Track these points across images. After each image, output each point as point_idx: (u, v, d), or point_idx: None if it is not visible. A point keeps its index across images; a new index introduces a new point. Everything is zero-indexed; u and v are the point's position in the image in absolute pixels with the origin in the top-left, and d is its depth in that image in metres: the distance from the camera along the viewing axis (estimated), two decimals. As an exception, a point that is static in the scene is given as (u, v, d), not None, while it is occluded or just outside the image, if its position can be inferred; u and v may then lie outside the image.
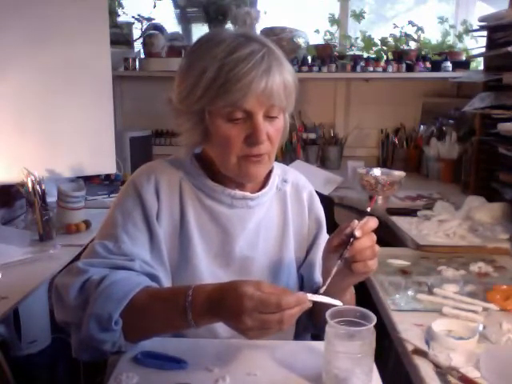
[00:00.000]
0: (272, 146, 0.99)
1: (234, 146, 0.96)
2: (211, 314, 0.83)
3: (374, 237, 0.92)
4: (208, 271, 1.03)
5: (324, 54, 2.92)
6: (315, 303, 1.06)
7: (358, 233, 0.89)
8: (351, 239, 0.89)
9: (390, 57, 2.92)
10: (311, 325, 1.14)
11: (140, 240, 0.98)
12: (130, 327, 0.88)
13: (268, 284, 0.80)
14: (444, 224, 1.74)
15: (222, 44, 0.94)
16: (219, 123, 0.96)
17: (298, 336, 1.14)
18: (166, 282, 1.00)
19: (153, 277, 0.96)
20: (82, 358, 0.92)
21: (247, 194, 1.06)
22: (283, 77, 0.95)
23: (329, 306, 0.85)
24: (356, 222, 0.91)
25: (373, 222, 0.91)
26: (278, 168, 1.16)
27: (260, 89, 0.92)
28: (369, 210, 0.94)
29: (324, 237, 1.17)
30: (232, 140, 0.96)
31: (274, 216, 1.12)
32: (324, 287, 0.90)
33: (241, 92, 0.91)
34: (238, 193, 1.05)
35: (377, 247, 0.92)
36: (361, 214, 0.94)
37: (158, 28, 3.10)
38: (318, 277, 1.12)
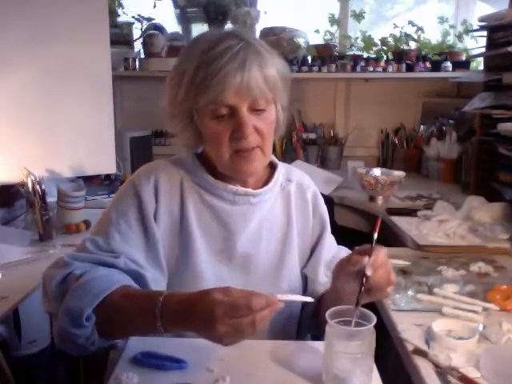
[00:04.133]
0: (263, 139, 0.99)
1: (223, 142, 0.97)
2: (181, 323, 0.82)
3: (389, 266, 0.91)
4: (209, 268, 1.03)
5: (324, 54, 2.92)
6: (321, 307, 1.06)
7: (369, 272, 0.88)
8: (364, 279, 0.87)
9: (390, 57, 2.92)
10: (315, 326, 1.14)
11: (132, 240, 0.98)
12: (102, 324, 0.87)
13: (237, 289, 0.79)
14: (444, 224, 1.74)
15: (201, 43, 0.96)
16: (206, 121, 0.97)
17: (299, 336, 1.14)
18: (158, 283, 0.99)
19: (138, 275, 0.95)
20: (62, 349, 0.91)
21: (249, 190, 1.06)
22: (263, 69, 0.94)
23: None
24: (366, 259, 0.88)
25: (382, 255, 0.90)
26: (283, 167, 1.16)
27: (236, 82, 0.92)
28: (375, 236, 0.92)
29: (328, 236, 1.17)
30: (219, 136, 0.97)
31: (278, 215, 1.12)
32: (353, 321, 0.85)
33: (218, 87, 0.92)
34: (240, 189, 1.05)
35: (393, 275, 0.91)
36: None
37: (158, 28, 3.10)
38: (322, 275, 1.12)
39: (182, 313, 0.81)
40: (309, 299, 0.86)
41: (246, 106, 0.95)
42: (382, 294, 0.93)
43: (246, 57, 0.93)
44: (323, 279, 1.12)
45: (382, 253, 0.90)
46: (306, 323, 1.14)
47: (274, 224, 1.11)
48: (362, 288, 0.88)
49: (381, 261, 0.90)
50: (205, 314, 0.77)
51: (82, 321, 0.85)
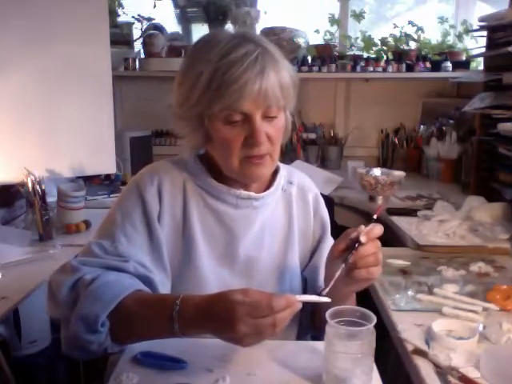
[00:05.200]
0: (273, 146, 0.99)
1: (234, 148, 0.96)
2: (199, 325, 0.82)
3: (379, 244, 0.92)
4: (211, 272, 1.02)
5: (324, 54, 2.92)
6: (318, 307, 1.07)
7: (363, 238, 0.89)
8: (356, 244, 0.89)
9: (390, 57, 2.92)
10: (313, 327, 1.14)
11: (137, 242, 0.98)
12: (116, 330, 0.87)
13: (255, 290, 0.79)
14: (444, 224, 1.74)
15: (216, 47, 0.94)
16: (218, 126, 0.96)
17: (299, 336, 1.14)
18: (164, 285, 0.99)
19: (147, 279, 0.95)
20: (70, 355, 0.91)
21: (252, 193, 1.05)
22: (279, 76, 0.94)
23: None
24: (362, 227, 0.91)
25: (378, 229, 0.91)
26: (284, 169, 1.15)
27: (255, 90, 0.91)
28: (375, 217, 0.94)
29: (328, 239, 1.17)
30: (232, 142, 0.96)
31: (279, 217, 1.11)
32: (326, 290, 0.89)
33: (236, 95, 0.91)
34: (243, 193, 1.04)
35: (380, 254, 0.92)
36: (366, 218, 0.94)
37: (158, 28, 3.10)
38: (322, 279, 1.12)
39: (201, 314, 0.81)
40: (326, 299, 0.86)
41: (260, 114, 0.95)
42: (368, 275, 0.91)
43: (265, 64, 0.92)
44: (322, 282, 1.11)
45: (378, 227, 0.92)
46: (305, 324, 1.14)
47: (276, 227, 1.10)
48: (353, 251, 0.89)
49: (376, 233, 0.91)
50: (225, 314, 0.77)
51: (97, 327, 0.84)
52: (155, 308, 0.86)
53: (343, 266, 0.90)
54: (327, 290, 0.89)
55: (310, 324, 1.14)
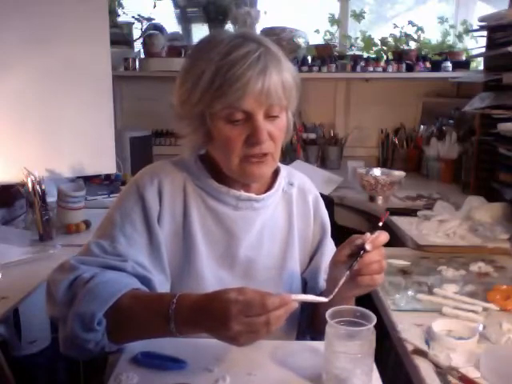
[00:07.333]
0: (275, 146, 0.99)
1: (235, 147, 0.96)
2: (195, 324, 0.82)
3: (383, 251, 0.93)
4: (211, 273, 1.02)
5: (324, 54, 2.92)
6: (317, 309, 1.06)
7: (368, 246, 0.90)
8: (361, 252, 0.90)
9: (390, 57, 2.93)
10: (313, 329, 1.14)
11: (137, 242, 0.98)
12: (113, 328, 0.87)
13: (251, 288, 0.79)
14: (444, 224, 1.74)
15: (218, 46, 0.94)
16: (220, 125, 0.95)
17: (299, 337, 1.14)
18: (163, 286, 0.99)
19: (145, 279, 0.95)
20: (68, 354, 0.91)
21: (252, 195, 1.05)
22: (281, 75, 0.94)
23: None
24: (368, 234, 0.92)
25: (384, 237, 0.92)
26: (284, 170, 1.15)
27: (257, 89, 0.91)
28: (380, 224, 0.95)
29: (328, 241, 1.17)
30: (233, 141, 0.95)
31: (280, 219, 1.11)
32: (331, 296, 0.89)
33: (237, 93, 0.91)
34: (244, 194, 1.04)
35: (384, 262, 0.92)
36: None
37: (158, 28, 3.10)
38: (322, 281, 1.12)
39: (196, 313, 0.81)
40: (323, 299, 0.86)
41: (262, 112, 0.95)
42: (372, 282, 0.92)
43: (267, 63, 0.92)
44: (323, 284, 1.11)
45: (384, 235, 0.93)
46: (304, 326, 1.14)
47: (276, 228, 1.10)
48: (358, 258, 0.90)
49: (381, 241, 0.92)
50: (219, 313, 0.77)
51: (94, 325, 0.84)
52: (152, 306, 0.86)
53: (348, 273, 0.90)
54: (331, 296, 0.89)
55: (308, 327, 1.14)
